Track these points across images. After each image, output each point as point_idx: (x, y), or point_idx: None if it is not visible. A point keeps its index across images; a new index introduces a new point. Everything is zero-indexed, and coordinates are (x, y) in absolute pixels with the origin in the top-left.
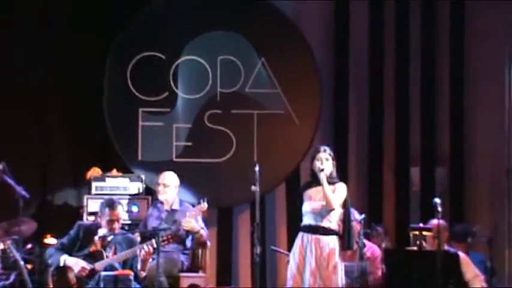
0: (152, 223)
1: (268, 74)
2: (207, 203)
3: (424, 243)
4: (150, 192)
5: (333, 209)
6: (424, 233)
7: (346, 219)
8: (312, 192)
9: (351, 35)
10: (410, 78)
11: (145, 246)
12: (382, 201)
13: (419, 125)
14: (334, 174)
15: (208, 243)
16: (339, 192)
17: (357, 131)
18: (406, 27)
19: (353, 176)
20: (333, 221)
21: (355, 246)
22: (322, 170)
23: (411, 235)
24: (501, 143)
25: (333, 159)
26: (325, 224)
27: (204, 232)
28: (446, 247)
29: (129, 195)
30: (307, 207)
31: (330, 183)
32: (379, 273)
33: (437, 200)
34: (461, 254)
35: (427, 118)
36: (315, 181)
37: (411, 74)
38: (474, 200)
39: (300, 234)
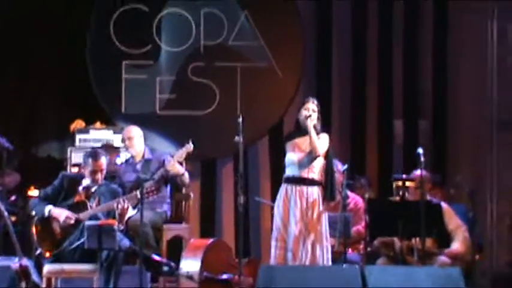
0: (129, 178)
1: (252, 26)
2: (193, 143)
3: (406, 194)
4: None
5: (319, 155)
6: (407, 183)
7: (328, 170)
8: (296, 142)
9: None
10: (393, 29)
11: (121, 201)
12: (365, 153)
13: (402, 77)
14: (318, 127)
15: (192, 195)
16: (322, 141)
17: (339, 84)
18: None
19: (336, 128)
20: (316, 172)
21: (338, 197)
22: (310, 116)
23: (394, 185)
24: (484, 95)
25: (318, 112)
26: (309, 174)
27: (186, 174)
28: (428, 198)
29: (111, 146)
30: (291, 157)
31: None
32: (363, 224)
33: (420, 150)
34: (444, 205)
35: (410, 70)
36: (299, 131)
37: (394, 24)
38: (457, 154)
39: (284, 185)
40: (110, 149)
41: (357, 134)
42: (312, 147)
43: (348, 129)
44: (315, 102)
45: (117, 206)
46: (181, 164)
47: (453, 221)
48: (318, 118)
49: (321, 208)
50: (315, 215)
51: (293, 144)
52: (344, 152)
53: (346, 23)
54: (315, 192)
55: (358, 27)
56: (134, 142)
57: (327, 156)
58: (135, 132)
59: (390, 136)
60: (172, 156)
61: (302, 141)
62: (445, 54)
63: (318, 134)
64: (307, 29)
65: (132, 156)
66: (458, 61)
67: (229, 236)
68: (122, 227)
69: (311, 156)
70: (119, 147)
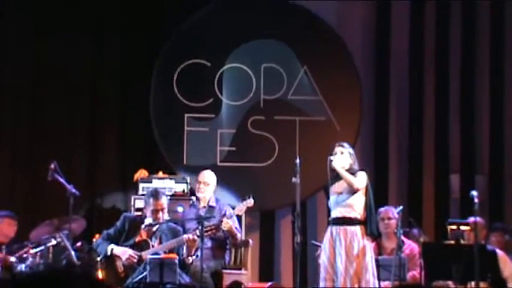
0: (191, 224)
1: (310, 81)
2: (253, 199)
3: (462, 240)
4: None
5: (358, 189)
6: (462, 227)
7: (367, 206)
8: (335, 186)
9: (392, 39)
10: (450, 84)
11: (189, 234)
12: (422, 208)
13: (459, 132)
14: (355, 166)
15: (250, 242)
16: (359, 177)
17: (397, 138)
18: (446, 32)
19: (394, 183)
20: (357, 210)
21: (394, 243)
22: (332, 160)
23: (449, 229)
24: None
25: (350, 153)
26: (351, 214)
27: (239, 235)
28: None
29: (174, 195)
30: (332, 200)
31: (351, 174)
32: (418, 270)
33: (474, 193)
34: (499, 252)
35: (467, 125)
36: (335, 177)
37: (451, 79)
38: None
39: (329, 227)
40: (174, 197)
41: (414, 189)
42: (347, 184)
43: (405, 183)
44: (342, 144)
45: (185, 241)
46: (239, 218)
47: (508, 267)
48: (352, 158)
49: (364, 243)
50: (358, 252)
51: (332, 189)
52: (401, 203)
53: (404, 78)
54: (357, 230)
55: (415, 80)
56: (207, 188)
57: (366, 193)
58: (212, 179)
59: (447, 191)
60: (233, 208)
61: (340, 185)
62: (502, 111)
63: (354, 173)
64: (364, 84)
65: (198, 199)
66: None
67: (288, 281)
68: (190, 260)
69: (347, 194)
70: (181, 197)
